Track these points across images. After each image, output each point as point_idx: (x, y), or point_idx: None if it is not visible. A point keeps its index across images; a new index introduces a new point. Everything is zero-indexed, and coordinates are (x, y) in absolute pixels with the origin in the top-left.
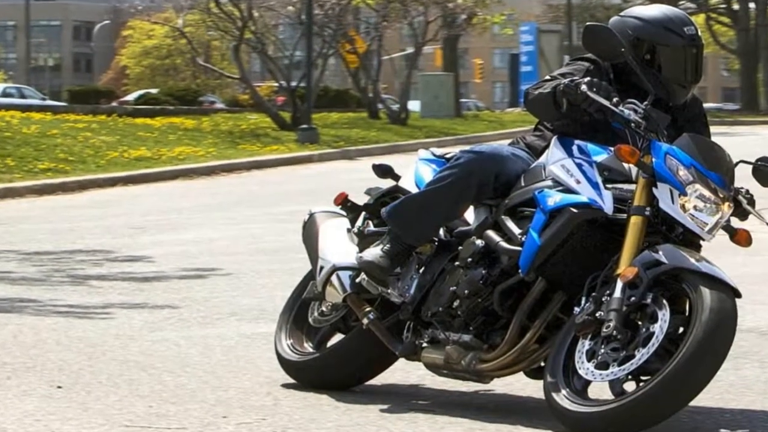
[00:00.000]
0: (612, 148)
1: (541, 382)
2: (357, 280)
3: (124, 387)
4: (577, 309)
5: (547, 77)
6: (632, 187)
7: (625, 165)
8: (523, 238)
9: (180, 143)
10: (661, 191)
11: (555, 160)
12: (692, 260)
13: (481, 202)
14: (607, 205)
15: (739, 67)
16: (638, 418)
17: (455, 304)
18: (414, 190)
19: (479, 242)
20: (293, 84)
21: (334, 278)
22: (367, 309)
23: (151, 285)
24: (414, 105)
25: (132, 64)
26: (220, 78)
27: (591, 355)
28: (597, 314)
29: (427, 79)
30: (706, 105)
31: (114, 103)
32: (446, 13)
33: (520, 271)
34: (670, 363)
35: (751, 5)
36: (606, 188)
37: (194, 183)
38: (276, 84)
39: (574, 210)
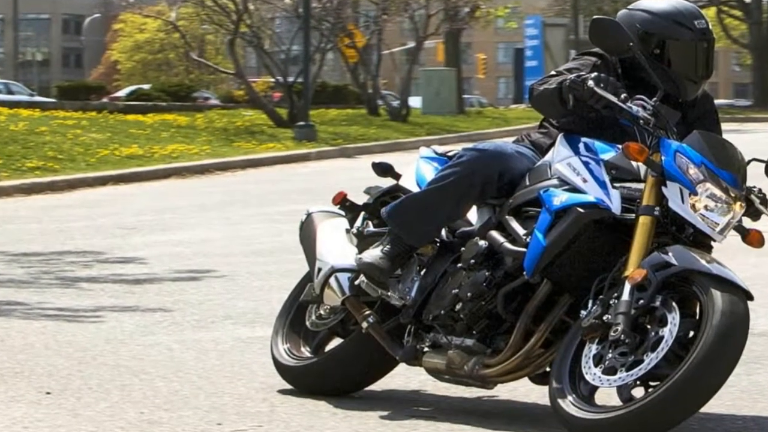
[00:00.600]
0: (620, 146)
1: (546, 388)
2: (356, 283)
3: (115, 393)
4: (583, 312)
5: (553, 72)
6: (641, 186)
7: (634, 163)
8: (527, 239)
9: (173, 141)
10: (671, 190)
11: (561, 158)
12: (703, 262)
13: (485, 201)
14: (615, 205)
15: (751, 62)
16: (647, 425)
17: (458, 307)
18: (415, 189)
19: (482, 243)
20: (290, 79)
21: (332, 280)
22: (367, 312)
23: (143, 287)
24: (415, 101)
25: (123, 58)
26: (215, 73)
27: (598, 359)
28: (604, 317)
29: (428, 74)
30: (717, 101)
31: (105, 100)
32: (448, 6)
33: (524, 272)
34: (680, 368)
35: None
36: (614, 187)
37: (188, 182)
38: (272, 79)
39: (581, 210)
